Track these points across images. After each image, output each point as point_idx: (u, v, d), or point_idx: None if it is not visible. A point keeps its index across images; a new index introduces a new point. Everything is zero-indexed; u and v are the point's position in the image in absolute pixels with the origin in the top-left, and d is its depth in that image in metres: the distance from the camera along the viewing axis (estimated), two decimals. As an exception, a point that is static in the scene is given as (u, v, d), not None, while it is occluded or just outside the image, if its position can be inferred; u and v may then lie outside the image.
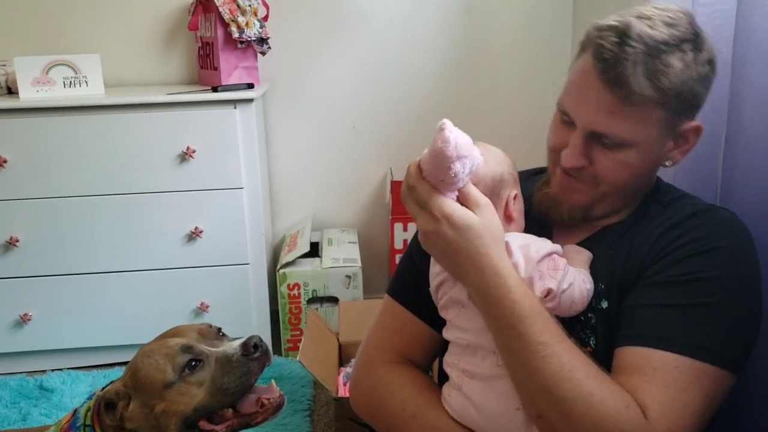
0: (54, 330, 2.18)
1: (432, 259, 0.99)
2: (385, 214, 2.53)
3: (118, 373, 2.15)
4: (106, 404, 1.06)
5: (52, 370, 2.20)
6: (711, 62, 0.93)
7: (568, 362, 0.84)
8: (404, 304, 1.09)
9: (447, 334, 1.01)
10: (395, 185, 2.42)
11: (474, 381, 0.94)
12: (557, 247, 0.96)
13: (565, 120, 0.98)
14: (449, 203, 0.86)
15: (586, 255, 0.99)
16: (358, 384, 1.09)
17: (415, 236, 1.15)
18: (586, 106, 0.93)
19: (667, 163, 1.00)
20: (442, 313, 1.00)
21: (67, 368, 2.21)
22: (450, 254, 0.88)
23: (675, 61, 0.89)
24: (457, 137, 0.84)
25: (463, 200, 0.88)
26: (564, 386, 0.83)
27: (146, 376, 1.04)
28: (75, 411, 1.13)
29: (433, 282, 1.01)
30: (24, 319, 2.15)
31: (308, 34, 2.45)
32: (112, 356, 2.24)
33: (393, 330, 1.10)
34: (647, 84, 0.88)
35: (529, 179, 1.11)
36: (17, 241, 2.09)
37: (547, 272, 0.91)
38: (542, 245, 0.94)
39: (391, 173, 2.51)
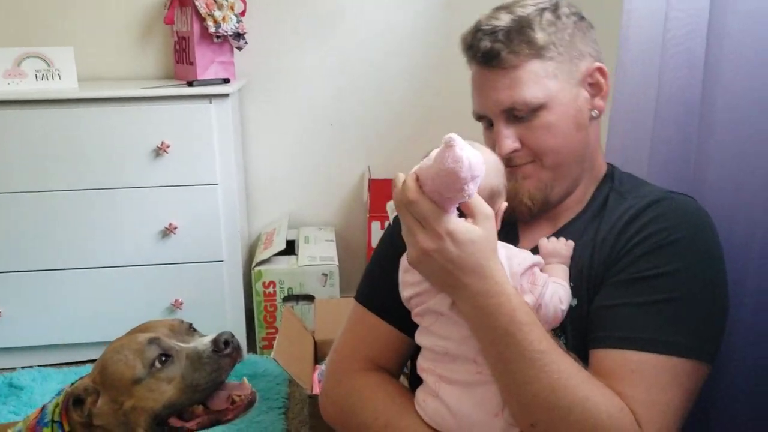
0: (24, 327, 2.15)
1: (404, 268, 0.98)
2: (363, 212, 2.53)
3: (89, 369, 2.13)
4: (74, 400, 1.04)
5: (22, 368, 2.17)
6: (576, 14, 1.02)
7: (564, 369, 0.85)
8: (373, 309, 1.08)
9: (422, 339, 0.99)
10: (373, 183, 2.42)
11: (452, 387, 0.93)
12: (538, 259, 0.95)
13: (485, 124, 1.04)
14: (454, 220, 0.84)
15: (564, 269, 0.98)
16: (329, 394, 1.08)
17: (382, 241, 1.15)
18: (486, 96, 1.00)
19: (593, 114, 1.03)
20: (416, 320, 0.99)
21: (38, 365, 2.18)
22: (448, 270, 0.86)
23: (536, 21, 0.98)
24: (469, 156, 0.80)
25: (466, 211, 0.86)
26: (560, 394, 0.84)
27: (115, 371, 1.03)
28: (43, 407, 1.11)
29: (406, 291, 0.98)
30: (-7, 316, 2.11)
31: (286, 30, 2.44)
32: (84, 353, 2.22)
33: (362, 336, 1.08)
34: (519, 47, 0.97)
35: None
36: (-14, 236, 2.06)
37: (527, 286, 0.91)
38: (524, 258, 0.93)
39: (369, 171, 2.51)
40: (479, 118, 1.05)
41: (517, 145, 1.00)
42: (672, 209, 0.97)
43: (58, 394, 1.12)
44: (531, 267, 0.93)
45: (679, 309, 0.90)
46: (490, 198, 0.93)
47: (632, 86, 1.42)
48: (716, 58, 1.15)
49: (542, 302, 0.91)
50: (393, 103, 2.50)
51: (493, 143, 1.02)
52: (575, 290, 0.97)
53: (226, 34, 2.18)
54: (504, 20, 0.98)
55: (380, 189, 2.41)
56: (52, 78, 2.10)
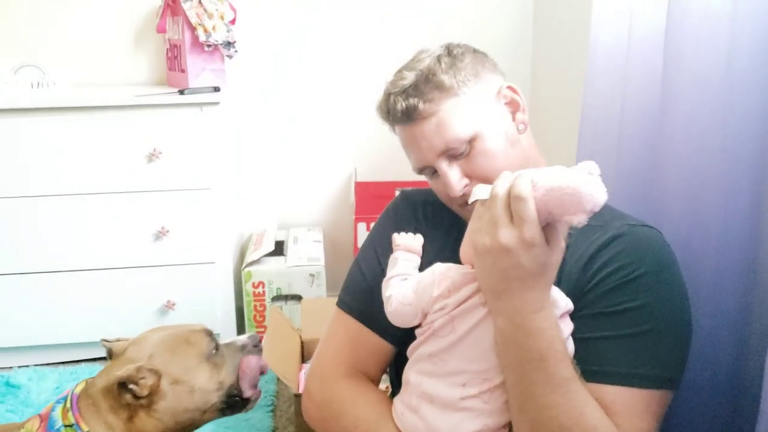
0: (20, 327, 2.21)
1: (442, 272, 0.98)
2: (350, 213, 2.60)
3: (85, 369, 2.20)
4: (123, 384, 1.13)
5: (19, 367, 2.23)
6: (468, 49, 1.08)
7: (582, 398, 0.88)
8: (355, 316, 1.11)
9: (421, 348, 0.99)
10: (358, 186, 2.49)
11: (433, 406, 0.96)
12: (571, 307, 0.96)
13: (428, 173, 1.07)
14: (541, 234, 0.83)
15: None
16: (312, 397, 1.10)
17: (364, 249, 1.18)
18: (420, 148, 1.04)
19: (520, 128, 1.07)
20: (427, 326, 0.99)
21: (34, 365, 2.24)
22: (510, 274, 0.85)
23: (437, 68, 1.04)
24: (601, 192, 0.79)
25: (549, 235, 0.84)
26: (574, 421, 0.87)
27: (185, 354, 1.18)
28: (48, 416, 1.16)
29: (433, 304, 0.97)
30: (-10, 317, 2.18)
31: (275, 37, 2.50)
32: (79, 353, 2.28)
33: (345, 342, 1.11)
34: (431, 94, 1.02)
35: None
36: (-17, 239, 2.12)
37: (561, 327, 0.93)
38: (566, 303, 0.95)
39: (356, 174, 2.58)
40: (421, 170, 1.08)
41: (465, 180, 1.02)
42: (634, 244, 0.99)
43: (60, 401, 1.17)
44: (566, 313, 0.95)
45: (647, 342, 0.94)
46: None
47: (600, 100, 1.49)
48: (673, 72, 1.22)
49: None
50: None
51: (443, 189, 1.05)
52: None
53: (216, 42, 2.25)
54: (409, 78, 1.04)
55: (366, 191, 2.48)
56: (47, 86, 2.15)
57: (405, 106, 1.03)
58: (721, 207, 1.14)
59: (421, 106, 1.02)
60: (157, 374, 1.15)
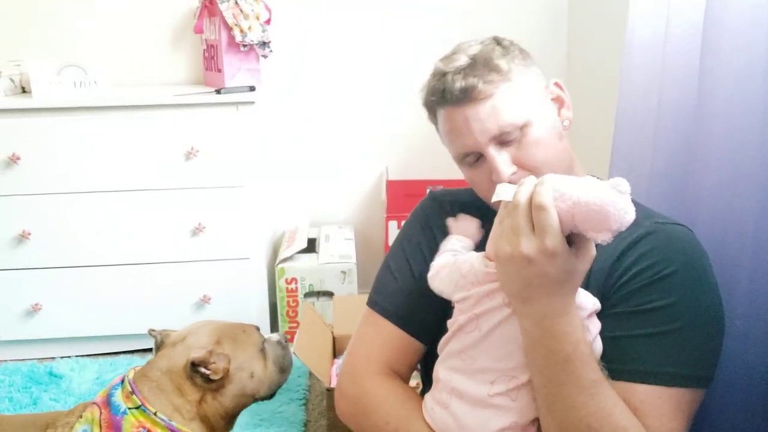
0: (63, 319, 2.28)
1: (468, 268, 0.98)
2: (381, 212, 2.62)
3: (123, 360, 2.26)
4: (196, 364, 1.22)
5: (61, 357, 2.29)
6: (513, 44, 1.08)
7: (610, 399, 0.88)
8: (385, 315, 1.12)
9: (451, 345, 1.01)
10: (390, 185, 2.51)
11: (462, 401, 0.97)
12: (599, 307, 0.97)
13: (471, 161, 1.05)
14: (565, 244, 0.83)
15: None
16: (344, 394, 1.12)
17: (393, 247, 1.19)
18: (471, 131, 1.01)
19: (565, 123, 1.08)
20: (454, 324, 1.00)
21: (75, 356, 2.30)
22: (533, 282, 0.85)
23: (492, 53, 1.03)
24: (631, 213, 0.79)
25: (578, 243, 0.85)
26: (603, 422, 0.87)
27: (247, 343, 1.31)
28: (107, 402, 1.23)
29: (458, 294, 0.99)
30: (35, 309, 2.24)
31: (309, 36, 2.54)
32: (118, 345, 2.34)
33: (376, 341, 1.12)
34: (490, 76, 1.00)
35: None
36: (29, 234, 2.19)
37: (588, 326, 0.93)
38: (594, 303, 0.95)
39: (387, 172, 2.60)
40: (464, 157, 1.05)
41: (514, 168, 1.01)
42: (664, 242, 0.99)
43: (118, 386, 1.24)
44: (593, 312, 0.95)
45: (677, 341, 0.94)
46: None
47: (635, 96, 1.49)
48: (710, 67, 1.21)
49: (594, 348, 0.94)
50: (411, 104, 2.58)
51: (482, 177, 1.04)
52: None
53: (252, 43, 2.29)
54: (463, 60, 1.02)
55: (397, 189, 2.50)
56: (89, 85, 2.22)
57: (464, 85, 1.00)
58: (758, 206, 1.13)
59: (480, 86, 1.00)
60: (227, 359, 1.25)
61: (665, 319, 0.95)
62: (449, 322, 1.01)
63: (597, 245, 0.87)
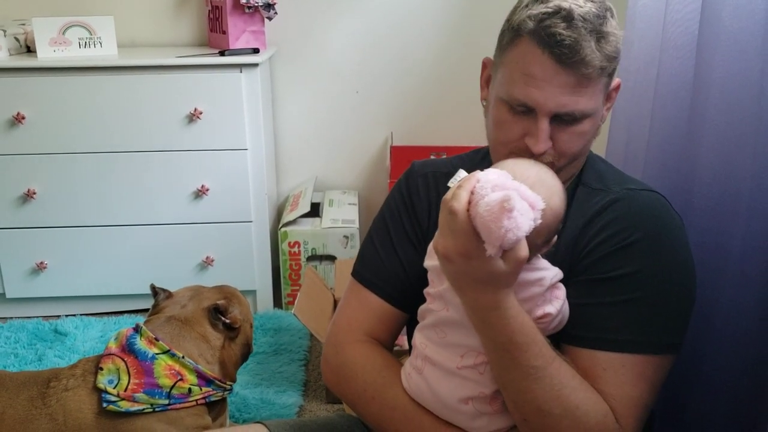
0: (68, 278, 2.32)
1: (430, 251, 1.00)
2: (385, 177, 2.63)
3: (127, 320, 2.30)
4: (218, 310, 1.44)
5: (66, 316, 2.34)
6: (613, 14, 0.97)
7: (557, 382, 0.89)
8: (368, 285, 1.14)
9: (426, 318, 1.02)
10: (394, 150, 2.51)
11: (435, 369, 0.99)
12: (561, 275, 0.97)
13: (519, 109, 0.96)
14: (479, 247, 0.81)
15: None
16: (328, 362, 1.14)
17: (376, 219, 1.20)
18: (547, 93, 0.93)
19: (600, 122, 1.03)
20: (428, 297, 1.02)
21: (80, 314, 2.35)
22: (458, 279, 0.87)
23: (610, 29, 0.93)
24: (519, 227, 0.78)
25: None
26: (553, 403, 0.89)
27: (245, 302, 1.55)
28: (130, 350, 1.35)
29: (429, 262, 1.01)
30: (40, 267, 2.28)
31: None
32: (122, 304, 2.38)
33: (358, 310, 1.14)
34: (600, 56, 0.92)
35: (482, 163, 1.12)
36: (34, 193, 2.21)
37: (551, 298, 0.95)
38: (555, 274, 0.96)
39: (392, 138, 2.60)
40: (516, 101, 0.95)
41: (550, 144, 0.96)
42: (631, 209, 0.99)
43: (135, 336, 1.37)
44: (553, 284, 0.96)
45: (640, 309, 0.95)
46: (549, 232, 0.92)
47: (637, 65, 1.48)
48: (709, 37, 1.20)
49: (561, 314, 0.95)
50: (416, 71, 2.58)
51: (513, 127, 0.98)
52: None
53: (256, 4, 2.27)
54: (593, 18, 0.91)
55: (401, 155, 2.50)
56: (94, 46, 2.21)
57: (581, 55, 0.90)
58: (754, 176, 1.13)
59: (591, 67, 0.91)
60: (239, 310, 1.47)
61: (628, 287, 0.95)
62: (425, 291, 1.03)
63: (568, 211, 0.90)
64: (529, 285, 0.92)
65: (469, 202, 0.82)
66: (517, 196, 0.79)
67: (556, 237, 0.95)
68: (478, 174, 0.84)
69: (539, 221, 0.82)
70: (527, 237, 0.82)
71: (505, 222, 0.77)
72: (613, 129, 1.54)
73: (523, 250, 0.83)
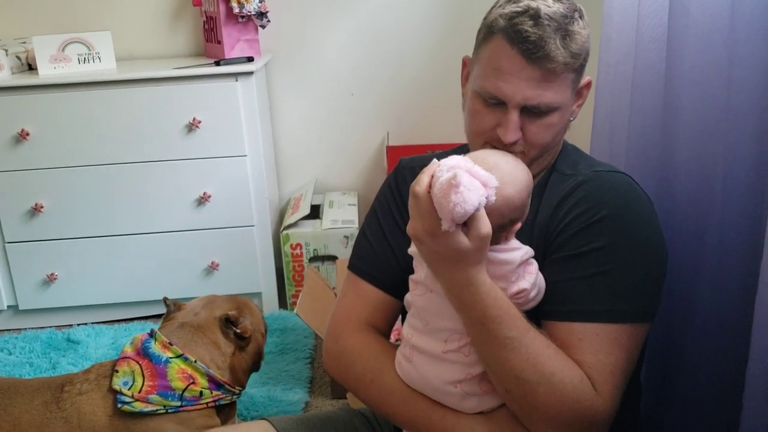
0: (78, 288, 2.38)
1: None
2: (383, 177, 2.66)
3: (137, 326, 2.36)
4: (229, 320, 1.47)
5: (78, 324, 2.40)
6: (582, 16, 1.04)
7: (533, 350, 0.94)
8: (363, 276, 1.19)
9: (411, 308, 1.08)
10: (390, 150, 2.56)
11: (422, 356, 1.04)
12: (532, 252, 1.03)
13: (491, 102, 1.03)
14: (442, 227, 0.88)
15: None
16: (328, 351, 1.20)
17: (368, 214, 1.26)
18: (514, 86, 0.99)
19: (571, 118, 1.09)
20: (411, 285, 1.08)
21: (92, 323, 2.41)
22: (430, 258, 0.94)
23: (576, 29, 1.00)
24: (466, 200, 0.84)
25: (468, 223, 0.89)
26: (530, 371, 0.94)
27: (258, 314, 1.59)
28: (144, 354, 1.39)
29: (411, 248, 1.06)
30: (51, 279, 2.34)
31: (307, 5, 2.57)
32: (132, 311, 2.44)
33: (355, 301, 1.19)
34: (564, 53, 0.98)
35: None
36: (42, 207, 2.27)
37: (523, 274, 1.00)
38: (526, 252, 1.01)
39: (388, 138, 2.65)
40: (488, 94, 1.03)
41: (520, 135, 1.03)
42: (597, 188, 1.05)
43: (152, 336, 1.43)
44: (524, 261, 1.01)
45: (611, 280, 1.00)
46: (509, 211, 0.96)
47: (615, 58, 1.51)
48: (678, 29, 1.24)
49: (536, 287, 1.01)
50: (410, 72, 2.62)
51: (486, 118, 1.05)
52: None
53: (249, 14, 2.32)
54: (559, 17, 0.98)
55: (398, 155, 2.52)
56: (93, 61, 2.27)
57: (545, 50, 0.97)
58: (726, 161, 1.18)
59: (554, 54, 0.97)
60: (250, 320, 1.50)
61: (599, 261, 1.01)
62: (410, 278, 1.09)
63: (545, 198, 1.00)
64: (501, 264, 0.98)
65: (431, 186, 0.89)
66: (464, 173, 0.85)
67: (519, 224, 1.00)
68: (440, 160, 0.91)
69: (493, 197, 0.88)
70: (490, 218, 0.89)
71: (452, 196, 0.84)
72: (597, 121, 1.58)
73: (484, 227, 0.89)
